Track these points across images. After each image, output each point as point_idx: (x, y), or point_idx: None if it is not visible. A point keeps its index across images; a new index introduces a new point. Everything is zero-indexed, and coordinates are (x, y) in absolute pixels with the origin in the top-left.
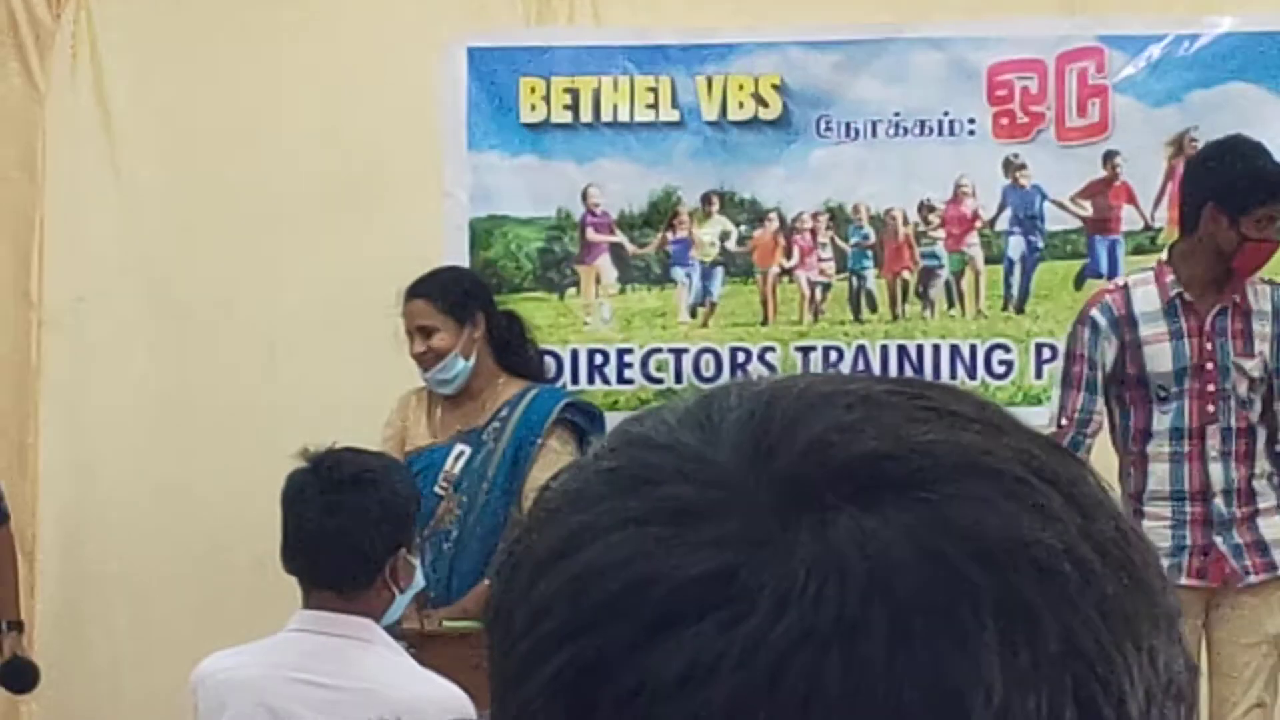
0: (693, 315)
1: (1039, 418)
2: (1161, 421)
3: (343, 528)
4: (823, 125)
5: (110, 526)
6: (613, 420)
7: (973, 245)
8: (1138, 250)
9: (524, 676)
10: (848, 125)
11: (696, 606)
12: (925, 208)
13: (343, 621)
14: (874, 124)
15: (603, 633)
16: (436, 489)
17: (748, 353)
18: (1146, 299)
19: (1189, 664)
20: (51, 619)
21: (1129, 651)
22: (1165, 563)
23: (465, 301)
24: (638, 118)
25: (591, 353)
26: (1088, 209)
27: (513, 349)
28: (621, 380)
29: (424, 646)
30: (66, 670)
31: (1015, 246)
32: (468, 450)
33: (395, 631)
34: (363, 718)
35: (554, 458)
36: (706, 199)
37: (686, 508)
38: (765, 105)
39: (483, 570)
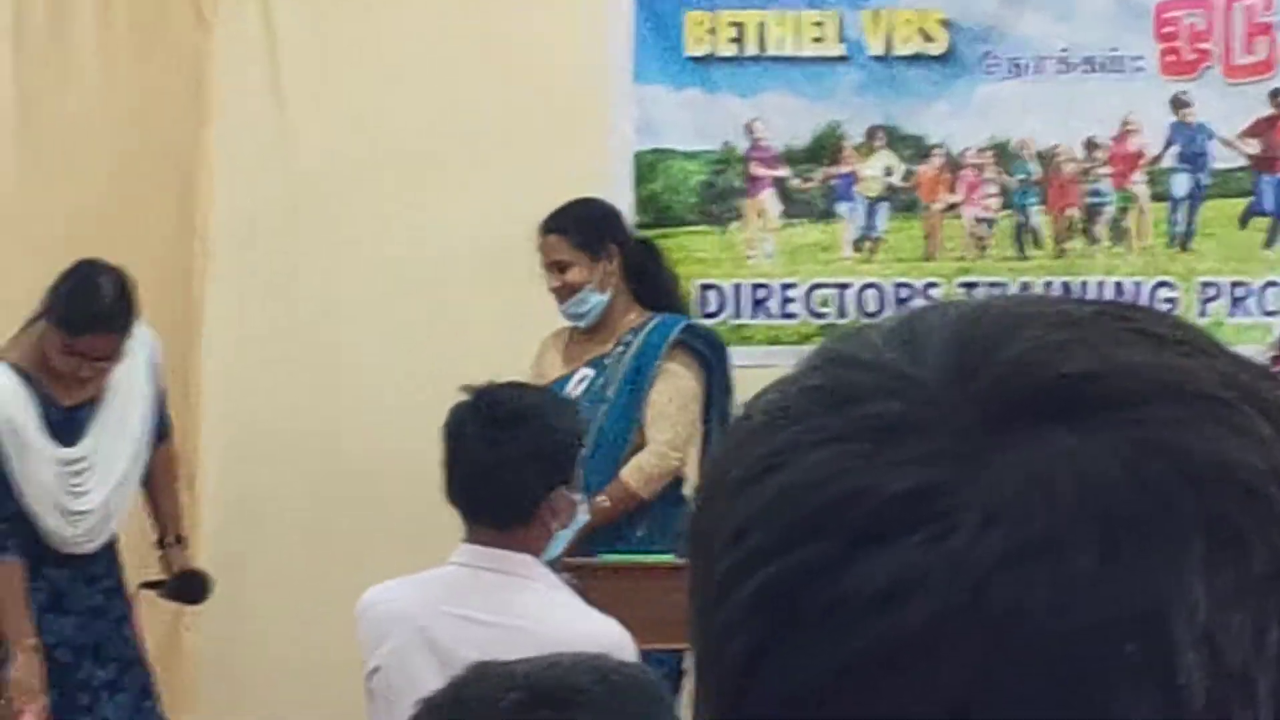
0: (856, 250)
1: None
2: None
3: (501, 463)
4: (988, 61)
5: (270, 458)
6: (769, 355)
7: (1138, 183)
8: None
9: (726, 592)
10: (1013, 61)
11: (901, 522)
12: (1091, 145)
13: (502, 557)
14: (1040, 60)
15: (806, 548)
16: None
17: (911, 288)
18: None
19: None
20: (211, 545)
21: None
22: None
23: (599, 235)
24: (803, 51)
25: (755, 287)
26: (1254, 147)
27: (648, 279)
28: (785, 315)
29: (587, 580)
30: (228, 598)
31: (1181, 184)
32: (590, 373)
33: (559, 565)
34: (520, 654)
35: (674, 380)
36: (871, 134)
37: (891, 424)
38: (931, 40)
39: (602, 485)
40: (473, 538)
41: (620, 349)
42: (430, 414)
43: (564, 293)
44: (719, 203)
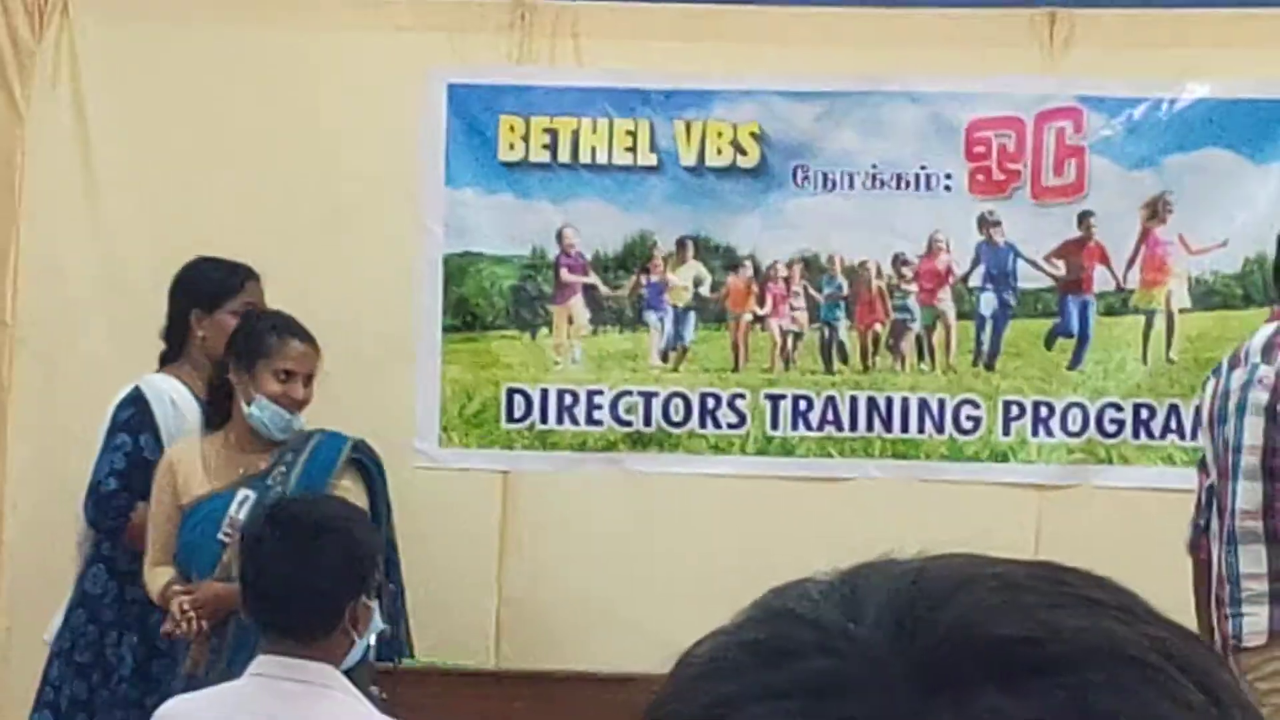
0: (664, 359)
1: (1004, 474)
2: None
3: (307, 576)
4: (800, 175)
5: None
6: (574, 461)
7: (945, 300)
8: (1109, 311)
9: None
10: (825, 176)
11: None
12: (899, 261)
13: (302, 667)
14: (851, 176)
15: None
16: (220, 536)
17: (718, 398)
18: None
19: None
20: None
21: None
22: None
23: None
24: (616, 160)
25: (561, 393)
26: (1061, 268)
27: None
28: (591, 421)
29: (391, 688)
30: None
31: (987, 303)
32: (252, 495)
33: (370, 672)
34: None
35: (351, 498)
36: (681, 244)
37: (828, 683)
38: (744, 153)
39: None
40: (272, 648)
41: (282, 469)
42: None
43: (301, 405)
44: (528, 308)
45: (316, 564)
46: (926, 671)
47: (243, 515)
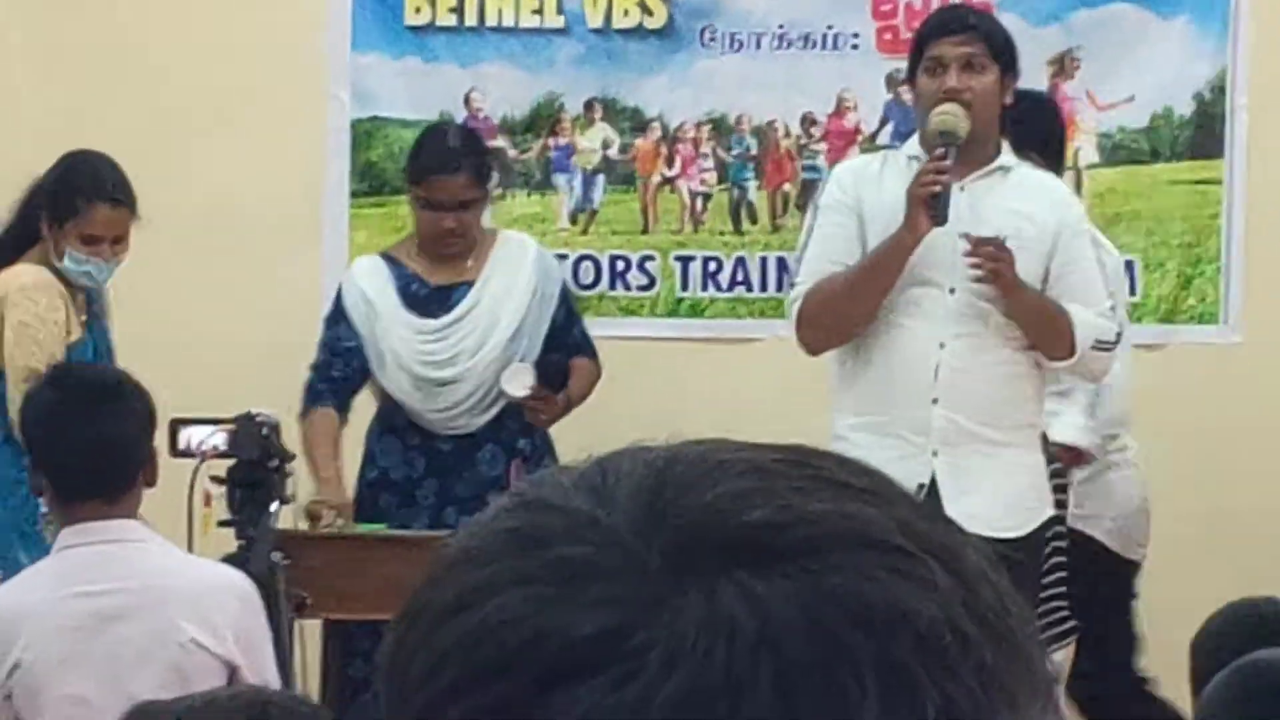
0: (573, 222)
1: None
2: None
3: (111, 435)
4: (707, 36)
5: None
6: None
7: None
8: None
9: None
10: (732, 36)
11: (588, 664)
12: (807, 121)
13: (116, 527)
14: (759, 36)
15: (496, 687)
16: None
17: (627, 260)
18: None
19: None
20: None
21: (1006, 719)
22: None
23: None
24: (522, 23)
25: None
26: None
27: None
28: None
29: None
30: None
31: None
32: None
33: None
34: (153, 611)
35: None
36: (589, 106)
37: (579, 568)
38: (650, 14)
39: None
40: (77, 516)
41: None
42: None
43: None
44: None
45: (122, 424)
46: (675, 557)
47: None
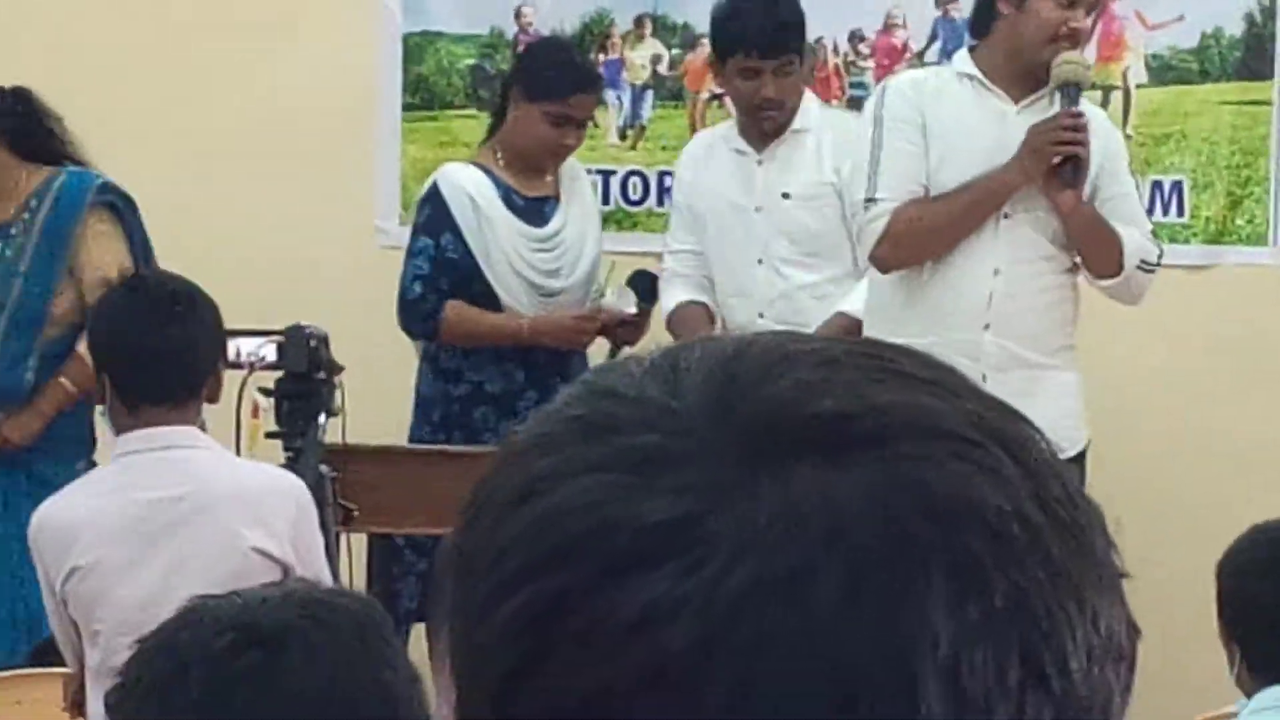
0: (621, 137)
1: None
2: None
3: (181, 342)
4: None
5: None
6: None
7: None
8: None
9: (485, 615)
10: None
11: (657, 551)
12: (855, 37)
13: (178, 434)
14: None
15: (563, 574)
16: None
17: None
18: None
19: (1132, 625)
20: None
21: (1073, 611)
22: None
23: None
24: None
25: None
26: None
27: (28, 132)
28: None
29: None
30: None
31: None
32: None
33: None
34: (210, 516)
35: (105, 240)
36: (639, 22)
37: (650, 456)
38: None
39: (25, 362)
40: (139, 421)
41: (27, 216)
42: None
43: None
44: (487, 87)
45: (192, 330)
46: (746, 446)
47: None
